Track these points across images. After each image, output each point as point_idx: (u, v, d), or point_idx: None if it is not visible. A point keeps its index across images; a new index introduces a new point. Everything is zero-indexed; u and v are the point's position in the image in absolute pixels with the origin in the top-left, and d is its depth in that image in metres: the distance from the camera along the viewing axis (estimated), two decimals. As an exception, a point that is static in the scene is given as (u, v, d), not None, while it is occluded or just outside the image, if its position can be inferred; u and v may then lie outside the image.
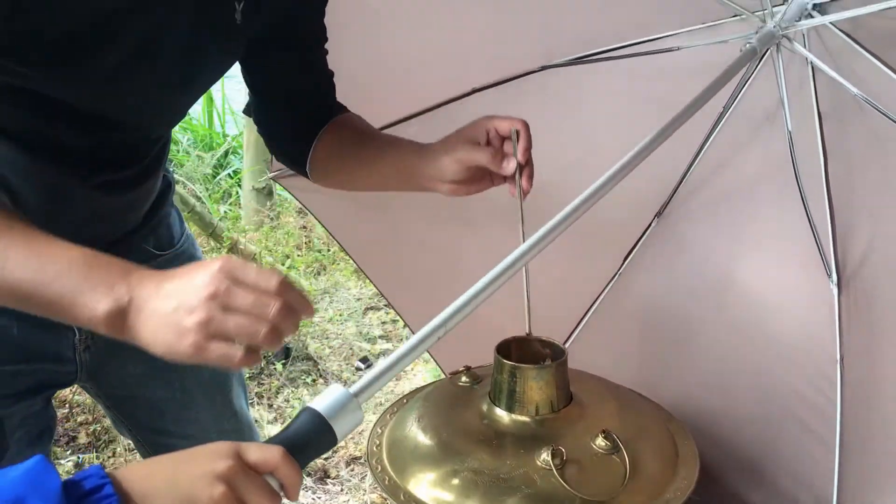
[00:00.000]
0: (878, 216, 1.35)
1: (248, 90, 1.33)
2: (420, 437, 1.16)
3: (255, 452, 0.74)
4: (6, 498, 0.62)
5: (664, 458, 1.14)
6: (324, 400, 0.82)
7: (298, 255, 4.14)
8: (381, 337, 3.51)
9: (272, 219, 4.41)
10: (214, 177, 5.03)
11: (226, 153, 5.18)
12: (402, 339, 3.46)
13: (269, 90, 1.32)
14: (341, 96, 1.35)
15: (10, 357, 1.20)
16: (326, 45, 1.31)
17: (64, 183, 1.11)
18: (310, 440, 0.80)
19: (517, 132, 1.16)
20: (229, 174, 5.05)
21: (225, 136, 5.31)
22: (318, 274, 4.04)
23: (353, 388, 0.84)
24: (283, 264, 3.97)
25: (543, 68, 1.52)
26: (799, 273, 1.43)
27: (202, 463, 0.71)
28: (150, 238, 1.34)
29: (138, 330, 0.84)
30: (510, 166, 1.15)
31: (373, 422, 1.24)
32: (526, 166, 1.16)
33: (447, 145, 1.20)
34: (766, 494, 1.53)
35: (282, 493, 0.75)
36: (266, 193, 4.52)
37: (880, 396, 1.38)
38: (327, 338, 3.49)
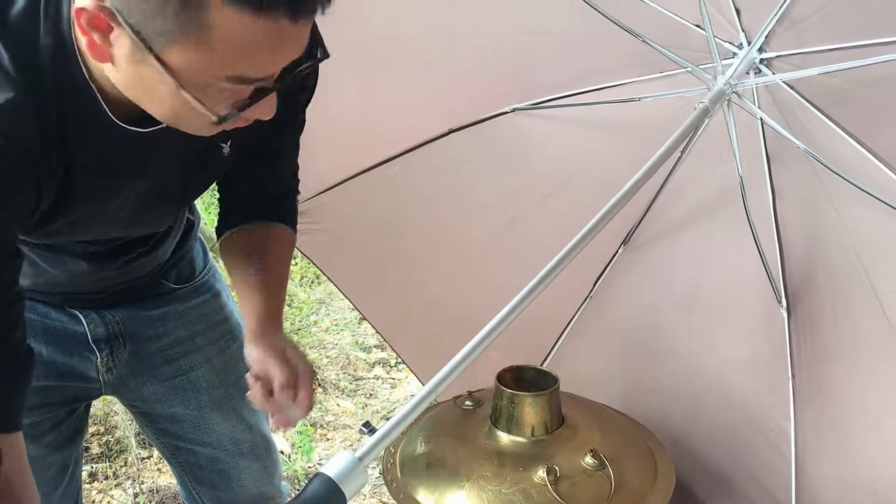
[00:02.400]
0: (819, 249, 1.46)
1: None
2: (430, 455, 1.30)
3: None
4: None
5: (644, 472, 1.28)
6: (334, 466, 0.95)
7: (293, 265, 4.23)
8: (375, 346, 3.60)
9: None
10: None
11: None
12: (396, 348, 3.56)
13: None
14: (325, 141, 1.41)
15: (41, 374, 1.34)
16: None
17: (85, 269, 1.27)
18: (323, 502, 0.93)
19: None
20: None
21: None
22: (313, 283, 4.14)
23: (359, 453, 0.98)
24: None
25: (514, 110, 1.64)
26: (752, 299, 1.55)
27: None
28: (171, 273, 1.46)
29: None
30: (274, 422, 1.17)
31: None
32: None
33: (252, 353, 1.19)
34: (735, 501, 1.65)
35: None
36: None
37: (828, 410, 1.50)
38: (324, 347, 3.58)
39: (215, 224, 1.36)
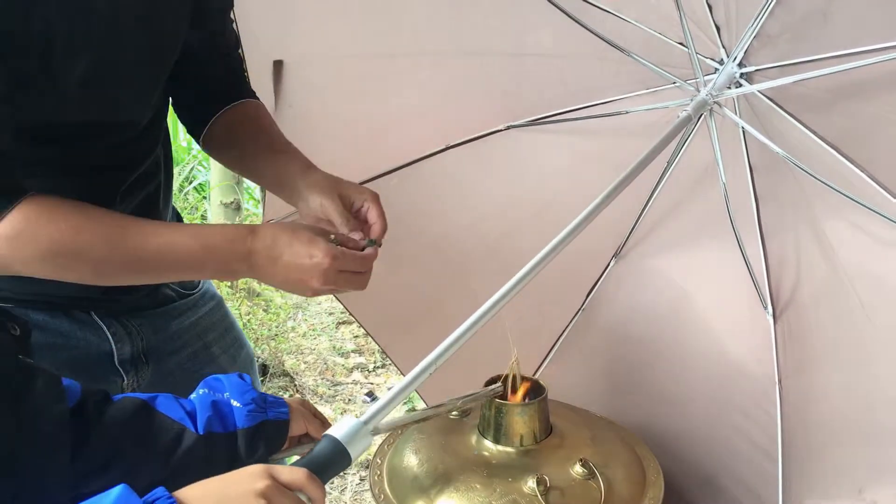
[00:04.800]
0: (803, 255, 1.51)
1: None
2: (417, 467, 1.29)
3: (286, 473, 0.90)
4: None
5: (634, 481, 1.29)
6: (340, 428, 1.00)
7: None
8: (353, 351, 3.61)
9: (240, 234, 4.46)
10: (180, 191, 5.09)
11: (191, 167, 5.24)
12: (374, 353, 3.58)
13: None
14: (325, 154, 1.44)
15: None
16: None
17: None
18: (330, 461, 0.98)
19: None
20: (195, 188, 5.11)
21: (189, 149, 5.36)
22: (289, 288, 4.13)
23: (363, 418, 1.03)
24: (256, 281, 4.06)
25: (508, 128, 1.69)
26: (739, 307, 1.59)
27: (245, 483, 0.87)
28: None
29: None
30: (356, 237, 1.29)
31: (372, 452, 1.36)
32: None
33: (327, 188, 1.30)
34: (723, 504, 1.69)
35: None
36: (234, 208, 4.56)
37: (814, 413, 1.54)
38: (302, 353, 3.59)
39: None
